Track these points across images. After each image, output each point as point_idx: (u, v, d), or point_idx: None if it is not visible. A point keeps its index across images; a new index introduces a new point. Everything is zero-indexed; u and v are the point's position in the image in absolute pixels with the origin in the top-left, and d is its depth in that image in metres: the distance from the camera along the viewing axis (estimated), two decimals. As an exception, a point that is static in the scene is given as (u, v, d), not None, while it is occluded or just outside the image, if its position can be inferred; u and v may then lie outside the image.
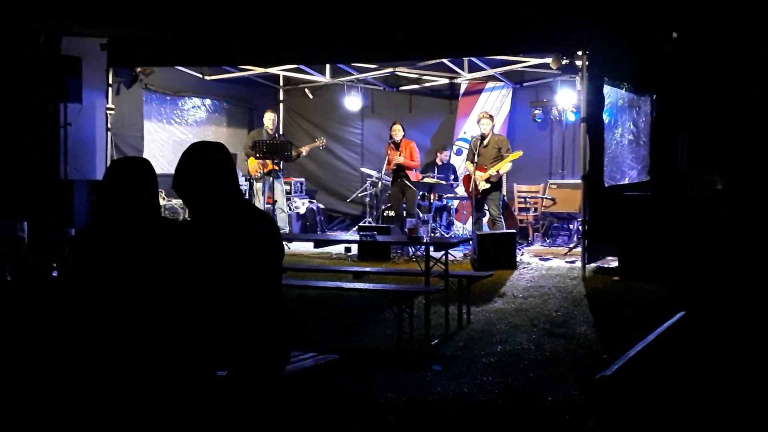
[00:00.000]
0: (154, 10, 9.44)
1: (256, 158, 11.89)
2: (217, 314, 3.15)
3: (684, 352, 3.12)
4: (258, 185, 12.17)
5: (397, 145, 11.99)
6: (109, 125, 11.23)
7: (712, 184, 9.32)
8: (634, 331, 4.27)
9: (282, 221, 12.27)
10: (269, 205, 12.06)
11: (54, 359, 3.45)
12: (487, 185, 10.90)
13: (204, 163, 3.30)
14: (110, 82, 11.27)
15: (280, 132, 13.32)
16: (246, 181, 12.65)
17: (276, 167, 12.09)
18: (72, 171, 10.71)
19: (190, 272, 3.13)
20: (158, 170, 3.57)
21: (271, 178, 12.07)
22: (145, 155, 12.14)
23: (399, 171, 12.04)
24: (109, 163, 10.51)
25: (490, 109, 13.22)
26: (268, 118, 12.35)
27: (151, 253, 3.19)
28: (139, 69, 11.92)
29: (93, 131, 11.40)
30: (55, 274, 4.45)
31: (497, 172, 10.82)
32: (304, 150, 12.88)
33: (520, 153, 11.09)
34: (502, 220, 11.01)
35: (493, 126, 11.27)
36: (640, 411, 2.62)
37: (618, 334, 6.60)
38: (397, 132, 11.99)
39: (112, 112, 11.30)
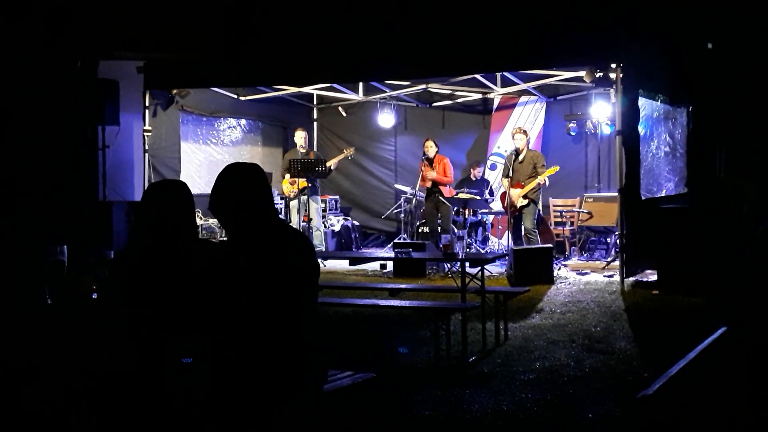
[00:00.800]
0: (189, 33, 9.58)
1: (291, 177, 11.98)
2: (255, 335, 3.16)
3: (726, 369, 3.06)
4: (293, 203, 12.23)
5: (430, 161, 12.00)
6: (146, 147, 11.39)
7: (752, 194, 9.18)
8: (674, 347, 4.20)
9: (317, 239, 12.32)
10: (305, 224, 12.11)
11: (95, 380, 3.48)
12: (525, 201, 10.86)
13: (239, 183, 3.32)
14: (147, 104, 11.44)
15: (314, 149, 13.36)
16: (281, 200, 12.74)
17: (311, 185, 12.16)
18: (110, 192, 10.86)
19: (228, 294, 3.15)
20: (195, 190, 3.61)
21: (306, 197, 12.13)
22: (182, 176, 12.29)
23: (433, 187, 12.03)
24: (146, 184, 10.65)
25: (523, 123, 13.20)
26: (299, 137, 12.45)
27: (189, 275, 3.22)
28: (175, 91, 12.08)
29: (131, 153, 11.55)
30: (94, 296, 4.51)
31: (537, 184, 10.78)
32: (333, 163, 12.85)
33: (557, 168, 11.04)
34: (537, 235, 10.95)
35: (528, 141, 11.25)
36: (683, 431, 2.57)
37: (658, 349, 6.50)
38: (429, 148, 11.99)
39: (149, 133, 11.46)
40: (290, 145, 14.67)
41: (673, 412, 2.58)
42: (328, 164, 12.76)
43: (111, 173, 10.94)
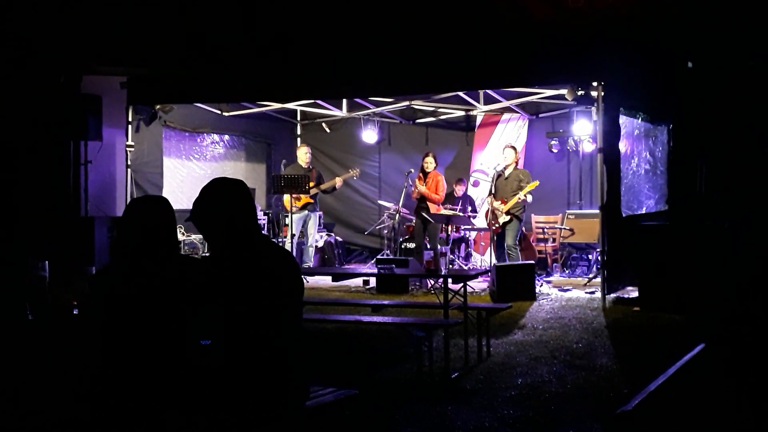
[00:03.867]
0: (172, 49, 9.58)
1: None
2: (239, 350, 3.15)
3: (705, 385, 3.09)
4: (296, 217, 12.24)
5: (425, 175, 11.94)
6: (128, 162, 11.36)
7: (731, 212, 9.27)
8: (655, 363, 4.23)
9: (308, 254, 12.35)
10: (299, 238, 12.15)
11: (75, 396, 3.46)
12: (507, 217, 10.91)
13: (222, 199, 3.32)
14: (130, 119, 11.41)
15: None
16: (264, 215, 12.74)
17: (312, 200, 12.22)
18: (93, 208, 10.81)
19: (210, 309, 3.15)
20: (178, 206, 3.61)
21: (307, 212, 12.21)
22: (165, 191, 12.26)
23: (421, 203, 12.01)
24: (129, 199, 10.60)
25: (506, 140, 13.27)
26: (303, 152, 12.54)
27: (171, 291, 3.21)
28: (158, 106, 12.07)
29: (113, 168, 11.52)
30: (75, 312, 4.48)
31: (519, 199, 10.82)
32: (339, 181, 12.89)
33: (536, 183, 11.09)
34: (518, 252, 11.00)
35: (517, 158, 11.30)
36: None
37: (639, 365, 6.54)
38: (429, 163, 11.86)
39: (132, 149, 11.43)
40: (273, 160, 14.69)
41: (651, 428, 2.60)
42: (333, 182, 12.79)
43: (93, 188, 10.90)
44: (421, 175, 12.01)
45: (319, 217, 14.26)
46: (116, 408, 3.15)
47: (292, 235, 12.01)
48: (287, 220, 12.32)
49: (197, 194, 3.35)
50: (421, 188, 11.84)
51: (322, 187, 12.65)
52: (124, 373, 3.17)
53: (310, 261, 12.45)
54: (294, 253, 12.19)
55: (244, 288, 3.16)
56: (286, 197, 12.23)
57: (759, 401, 3.01)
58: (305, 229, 12.38)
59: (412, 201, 12.27)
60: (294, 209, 12.13)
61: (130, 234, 3.33)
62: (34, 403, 3.71)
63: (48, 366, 3.95)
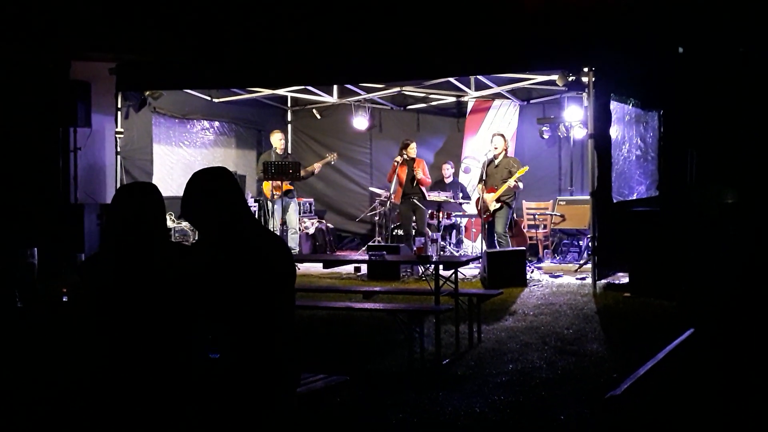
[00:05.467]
0: (161, 35, 9.53)
1: (267, 180, 11.98)
2: (232, 337, 3.15)
3: (693, 370, 3.10)
4: (275, 206, 12.23)
5: (409, 163, 11.96)
6: (118, 149, 11.30)
7: (722, 198, 9.29)
8: (645, 348, 4.25)
9: (293, 242, 12.32)
10: (281, 226, 12.12)
11: (64, 384, 3.46)
12: (497, 205, 10.91)
13: (207, 189, 3.30)
14: (119, 106, 11.34)
15: (289, 152, 13.38)
16: (255, 202, 12.72)
17: (291, 187, 12.19)
18: (82, 195, 10.77)
19: (200, 295, 3.14)
20: (168, 193, 3.60)
21: (287, 199, 12.18)
22: (155, 178, 12.22)
23: (410, 189, 12.01)
24: (119, 186, 10.56)
25: (497, 126, 13.27)
26: (277, 139, 12.46)
27: (160, 278, 3.20)
28: (147, 93, 12.00)
29: (103, 155, 11.46)
30: (65, 299, 4.47)
31: (509, 187, 10.82)
32: (317, 167, 12.90)
33: (526, 168, 11.09)
34: (508, 239, 11.02)
35: (507, 146, 11.30)
36: (651, 430, 2.61)
37: (629, 351, 6.56)
38: (412, 150, 11.99)
39: (122, 135, 11.37)
40: (264, 147, 14.64)
41: (640, 412, 2.61)
42: (312, 168, 12.77)
43: (83, 175, 10.85)
44: (406, 162, 12.00)
45: (310, 204, 14.25)
46: (107, 397, 3.15)
47: (282, 223, 12.04)
48: (268, 207, 12.33)
49: (186, 183, 3.34)
50: (419, 175, 11.85)
51: (302, 173, 12.62)
52: (114, 363, 3.16)
53: (296, 247, 12.46)
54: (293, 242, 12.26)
55: (237, 275, 3.16)
56: (266, 185, 12.22)
57: (746, 386, 3.02)
58: (287, 217, 12.38)
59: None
60: (275, 197, 12.14)
61: (118, 222, 3.31)
62: (23, 391, 3.70)
63: (38, 354, 3.93)
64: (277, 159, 12.11)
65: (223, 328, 3.17)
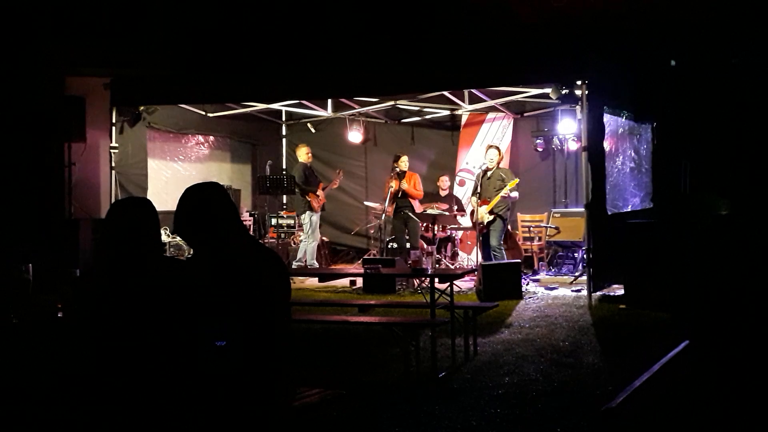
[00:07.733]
0: (156, 50, 9.55)
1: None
2: (228, 354, 3.14)
3: (688, 381, 3.11)
4: (315, 218, 12.62)
5: (400, 176, 12.05)
6: (113, 164, 11.29)
7: (716, 209, 9.32)
8: (640, 360, 4.25)
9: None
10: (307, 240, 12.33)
11: (59, 400, 3.44)
12: (491, 217, 10.93)
13: (199, 205, 3.30)
14: (114, 120, 11.33)
15: (284, 165, 13.43)
16: (250, 216, 12.76)
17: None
18: (77, 210, 10.75)
19: (195, 313, 3.14)
20: (162, 208, 3.59)
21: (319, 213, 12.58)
22: (150, 193, 12.20)
23: (401, 203, 12.06)
24: (113, 201, 10.56)
25: (491, 139, 13.31)
26: (304, 152, 12.85)
27: (155, 293, 3.20)
28: (142, 107, 12.00)
29: (97, 170, 11.44)
30: (60, 315, 4.46)
31: (501, 198, 10.85)
32: (337, 183, 13.24)
33: (516, 181, 11.11)
34: (503, 252, 11.03)
35: (501, 158, 11.35)
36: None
37: (625, 363, 6.56)
38: (403, 163, 12.13)
39: (116, 150, 11.35)
40: (259, 161, 14.68)
41: (636, 423, 2.61)
42: (332, 184, 13.00)
43: (77, 190, 10.85)
44: (397, 175, 12.09)
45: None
46: (102, 411, 3.14)
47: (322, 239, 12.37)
48: (272, 222, 12.37)
49: (179, 199, 3.34)
50: (405, 186, 11.93)
51: (333, 186, 13.07)
52: (109, 379, 3.15)
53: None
54: (315, 255, 12.35)
55: (230, 292, 3.15)
56: (313, 198, 12.37)
57: (741, 398, 3.03)
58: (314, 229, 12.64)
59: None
60: (320, 210, 12.59)
61: (112, 237, 3.30)
62: (18, 407, 3.68)
63: (32, 370, 3.92)
64: (307, 171, 12.44)
65: (219, 339, 3.16)
